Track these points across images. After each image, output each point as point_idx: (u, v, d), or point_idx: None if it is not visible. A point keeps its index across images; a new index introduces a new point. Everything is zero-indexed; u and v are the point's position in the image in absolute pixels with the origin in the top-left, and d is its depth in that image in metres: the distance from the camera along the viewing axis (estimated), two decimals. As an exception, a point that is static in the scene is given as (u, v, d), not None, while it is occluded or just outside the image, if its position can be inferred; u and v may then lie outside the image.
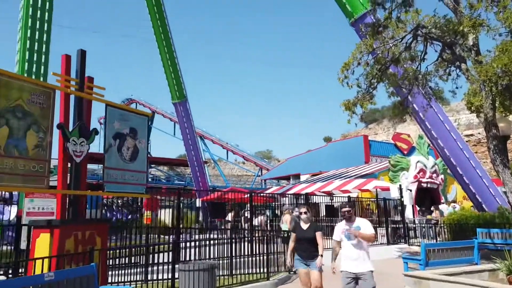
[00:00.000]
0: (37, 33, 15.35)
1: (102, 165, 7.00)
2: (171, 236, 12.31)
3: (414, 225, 17.76)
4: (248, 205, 14.39)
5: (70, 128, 6.53)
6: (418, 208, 20.65)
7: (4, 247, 8.67)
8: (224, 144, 54.81)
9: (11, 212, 10.46)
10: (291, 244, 5.94)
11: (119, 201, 14.54)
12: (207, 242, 9.24)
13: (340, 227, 5.29)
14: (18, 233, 7.94)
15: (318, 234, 5.72)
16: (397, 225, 16.72)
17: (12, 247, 8.24)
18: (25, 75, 14.61)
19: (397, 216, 17.42)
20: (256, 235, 12.44)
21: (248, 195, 13.84)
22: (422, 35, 9.87)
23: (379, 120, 61.64)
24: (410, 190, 19.94)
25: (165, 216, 18.12)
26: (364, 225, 5.16)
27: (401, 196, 16.97)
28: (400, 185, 17.94)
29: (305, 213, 5.85)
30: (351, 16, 16.11)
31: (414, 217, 19.27)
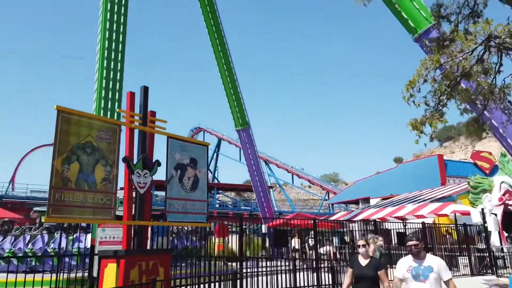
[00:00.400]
0: (111, 72, 16.73)
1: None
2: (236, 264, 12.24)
3: (502, 254, 15.87)
4: (312, 231, 13.91)
5: (135, 161, 6.88)
6: (506, 234, 18.49)
7: (80, 274, 9.23)
8: (289, 168, 54.54)
9: (88, 240, 11.18)
10: (347, 281, 5.32)
11: (186, 228, 14.90)
12: (270, 271, 8.99)
13: (405, 263, 4.61)
14: (92, 261, 8.42)
15: (382, 273, 4.98)
16: (482, 254, 15.07)
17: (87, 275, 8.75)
18: (101, 112, 15.91)
19: (481, 243, 15.72)
20: (323, 264, 11.92)
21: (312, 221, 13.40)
22: (495, 46, 9.05)
23: (455, 138, 57.32)
24: (495, 214, 17.95)
25: (233, 242, 18.20)
26: (437, 266, 4.38)
27: (484, 221, 15.35)
28: (482, 209, 16.27)
29: (363, 246, 5.19)
30: (414, 32, 15.44)
31: (501, 244, 17.25)
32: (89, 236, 11.12)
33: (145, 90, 7.34)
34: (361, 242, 5.22)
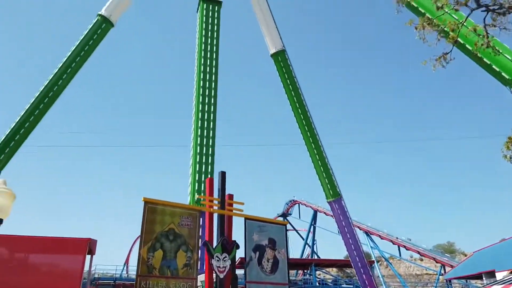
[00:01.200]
0: (203, 157, 18.17)
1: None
2: None
3: None
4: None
5: (214, 244, 7.10)
6: None
7: None
8: (394, 239, 50.02)
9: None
10: None
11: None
12: None
13: None
14: None
15: None
16: None
17: None
18: (195, 194, 17.07)
19: None
20: None
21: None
22: None
23: None
24: None
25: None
26: None
27: None
28: None
29: None
30: (511, 84, 14.20)
31: None
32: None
33: (223, 175, 7.78)
34: None
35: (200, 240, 7.02)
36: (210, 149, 18.51)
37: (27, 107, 20.02)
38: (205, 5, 21.15)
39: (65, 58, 21.23)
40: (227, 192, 7.69)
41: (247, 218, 7.57)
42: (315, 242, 57.23)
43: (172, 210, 6.84)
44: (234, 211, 7.61)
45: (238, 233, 7.87)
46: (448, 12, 11.46)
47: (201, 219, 7.23)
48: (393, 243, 50.34)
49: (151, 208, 6.59)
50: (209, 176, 17.72)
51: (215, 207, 7.42)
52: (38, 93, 20.29)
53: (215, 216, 7.41)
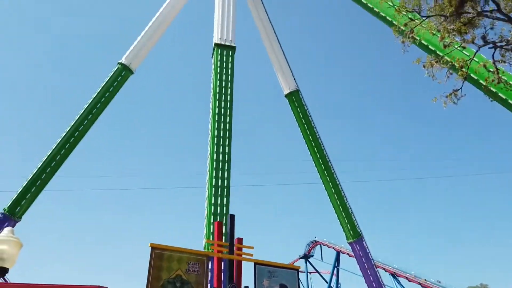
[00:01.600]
0: (218, 198, 18.12)
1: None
2: None
3: None
4: None
5: (224, 291, 6.91)
6: None
7: None
8: (422, 282, 47.58)
9: None
10: None
11: None
12: None
13: None
14: None
15: None
16: None
17: None
18: (211, 236, 16.86)
19: None
20: None
21: None
22: None
23: None
24: None
25: None
26: None
27: None
28: None
29: None
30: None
31: None
32: None
33: (231, 218, 7.70)
34: None
35: (209, 286, 6.84)
36: (225, 190, 18.50)
37: (49, 153, 20.69)
38: (219, 50, 21.93)
39: (86, 105, 22.13)
40: (238, 236, 7.58)
41: (257, 263, 7.37)
42: (339, 285, 54.95)
43: (179, 256, 6.74)
44: (243, 255, 7.45)
45: (249, 278, 7.63)
46: (458, 48, 11.51)
47: (210, 263, 7.09)
48: (422, 286, 47.86)
49: (158, 254, 6.52)
50: (224, 217, 17.59)
51: (224, 252, 7.29)
52: (60, 139, 21.03)
53: (225, 261, 7.26)
